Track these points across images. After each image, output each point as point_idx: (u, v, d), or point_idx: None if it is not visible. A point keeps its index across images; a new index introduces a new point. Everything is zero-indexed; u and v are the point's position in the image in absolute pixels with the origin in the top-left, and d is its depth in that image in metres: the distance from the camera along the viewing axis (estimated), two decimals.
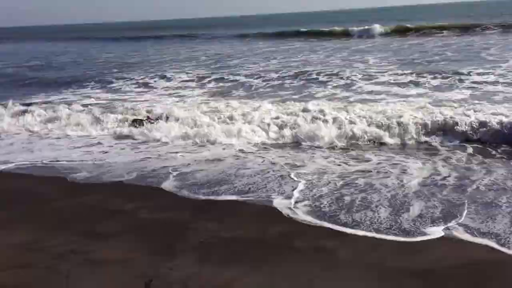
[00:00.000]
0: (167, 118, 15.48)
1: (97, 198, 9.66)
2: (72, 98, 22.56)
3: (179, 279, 6.28)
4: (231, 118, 15.12)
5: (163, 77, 28.05)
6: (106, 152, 13.31)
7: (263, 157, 11.94)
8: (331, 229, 7.66)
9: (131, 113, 16.82)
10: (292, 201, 8.86)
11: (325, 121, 13.82)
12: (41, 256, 7.02)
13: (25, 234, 7.85)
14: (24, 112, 18.27)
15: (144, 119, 15.64)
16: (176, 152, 12.85)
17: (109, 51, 54.25)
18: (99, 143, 14.40)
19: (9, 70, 38.55)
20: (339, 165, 11.14)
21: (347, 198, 8.92)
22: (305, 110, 15.29)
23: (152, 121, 15.29)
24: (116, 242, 7.48)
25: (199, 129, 14.23)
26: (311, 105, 15.66)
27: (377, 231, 7.48)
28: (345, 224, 7.77)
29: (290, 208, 8.53)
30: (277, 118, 14.70)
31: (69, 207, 9.25)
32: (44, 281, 6.33)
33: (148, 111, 16.60)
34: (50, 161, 12.55)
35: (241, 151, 12.66)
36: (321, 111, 14.74)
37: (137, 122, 15.50)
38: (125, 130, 15.19)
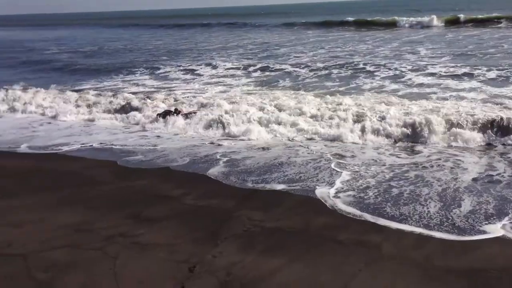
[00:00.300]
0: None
1: (145, 183, 9.89)
2: (121, 85, 23.14)
3: (222, 267, 6.36)
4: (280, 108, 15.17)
5: (209, 65, 28.30)
6: (159, 137, 13.73)
7: (311, 147, 11.93)
8: (376, 223, 7.54)
9: (170, 104, 16.82)
10: (337, 192, 8.78)
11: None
12: (91, 237, 7.27)
13: (75, 215, 8.14)
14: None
15: (174, 111, 15.12)
16: (227, 139, 13.20)
17: (159, 38, 55.18)
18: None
19: (64, 55, 39.97)
20: (389, 156, 11.02)
21: (395, 191, 8.75)
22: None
23: (182, 114, 14.90)
24: (162, 227, 7.63)
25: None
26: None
27: (426, 227, 7.30)
28: (391, 218, 7.64)
29: (334, 199, 8.47)
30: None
31: (119, 190, 9.52)
32: (93, 262, 6.53)
33: (181, 103, 16.41)
34: (107, 145, 13.10)
35: (290, 140, 12.70)
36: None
37: (168, 114, 15.02)
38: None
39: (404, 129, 12.36)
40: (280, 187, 9.29)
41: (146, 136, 14.05)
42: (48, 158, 12.09)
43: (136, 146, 12.89)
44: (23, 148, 13.13)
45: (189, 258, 6.57)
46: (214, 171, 10.39)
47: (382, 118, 13.06)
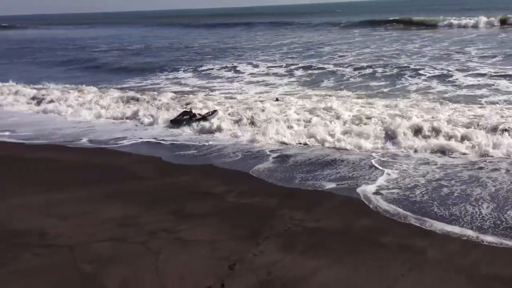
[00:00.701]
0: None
1: (188, 179, 10.02)
2: (164, 84, 23.49)
3: (263, 265, 6.35)
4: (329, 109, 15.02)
5: (252, 63, 28.39)
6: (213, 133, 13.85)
7: (359, 146, 11.72)
8: (422, 226, 7.35)
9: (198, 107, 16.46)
10: (381, 191, 8.64)
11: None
12: (135, 231, 7.42)
13: (120, 209, 8.33)
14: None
15: (189, 115, 14.60)
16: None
17: (205, 36, 55.80)
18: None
19: (113, 53, 41.09)
20: (441, 157, 10.72)
21: (444, 193, 8.51)
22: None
23: (198, 116, 14.40)
24: (204, 223, 7.71)
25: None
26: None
27: (475, 232, 7.06)
28: (438, 220, 7.45)
29: (377, 199, 8.33)
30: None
31: (163, 186, 9.68)
32: (136, 256, 6.67)
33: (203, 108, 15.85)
34: (158, 140, 13.44)
35: (338, 140, 12.47)
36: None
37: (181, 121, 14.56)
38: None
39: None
40: (323, 186, 9.22)
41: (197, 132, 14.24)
42: (97, 152, 12.46)
43: (187, 141, 13.16)
44: (84, 141, 13.64)
45: (230, 256, 6.61)
46: (258, 169, 10.44)
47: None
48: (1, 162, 11.51)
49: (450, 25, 49.88)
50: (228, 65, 28.17)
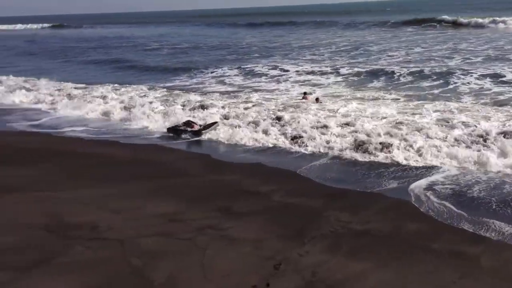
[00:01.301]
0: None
1: (235, 177, 10.08)
2: (208, 83, 23.66)
3: (308, 266, 6.30)
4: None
5: (298, 63, 28.25)
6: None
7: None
8: (475, 232, 7.09)
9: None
10: (433, 191, 8.42)
11: None
12: (182, 227, 7.52)
13: (169, 205, 8.47)
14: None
15: (187, 125, 14.22)
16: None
17: (253, 35, 55.94)
18: None
19: (163, 51, 41.93)
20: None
21: (503, 198, 8.19)
22: None
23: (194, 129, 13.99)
24: (250, 222, 7.73)
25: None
26: None
27: None
28: (493, 228, 7.16)
29: (428, 198, 8.13)
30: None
31: (210, 183, 9.79)
32: (183, 252, 6.76)
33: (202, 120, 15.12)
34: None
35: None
36: None
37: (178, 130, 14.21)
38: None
39: None
40: (372, 187, 9.08)
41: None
42: (147, 149, 12.74)
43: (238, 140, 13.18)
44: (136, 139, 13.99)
45: (275, 255, 6.59)
46: (306, 168, 10.38)
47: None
48: (54, 156, 11.95)
49: (504, 23, 47.68)
50: (274, 64, 28.17)
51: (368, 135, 12.24)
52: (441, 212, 7.88)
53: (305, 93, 17.76)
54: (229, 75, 25.48)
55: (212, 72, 26.91)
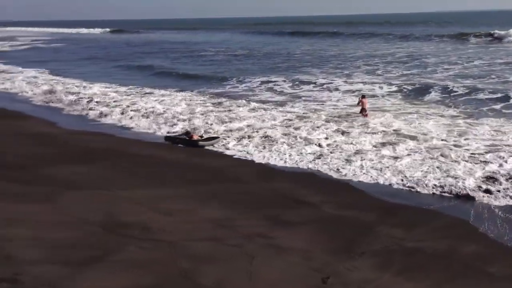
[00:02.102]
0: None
1: (287, 186, 10.05)
2: (260, 89, 23.78)
3: (356, 282, 6.16)
4: None
5: (350, 72, 27.94)
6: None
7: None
8: None
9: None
10: (494, 215, 8.04)
11: None
12: (231, 234, 7.56)
13: (219, 210, 8.55)
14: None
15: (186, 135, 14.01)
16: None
17: (310, 44, 55.69)
18: None
19: (219, 56, 42.55)
20: None
21: None
22: None
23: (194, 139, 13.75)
24: (299, 232, 7.66)
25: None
26: None
27: None
28: None
29: (489, 224, 7.75)
30: None
31: (261, 190, 9.81)
32: (231, 258, 6.78)
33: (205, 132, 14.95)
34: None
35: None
36: None
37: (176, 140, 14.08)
38: None
39: None
40: (428, 204, 8.82)
41: None
42: (197, 153, 12.93)
43: None
44: None
45: (323, 268, 6.49)
46: (359, 180, 10.29)
47: None
48: (109, 155, 12.37)
49: None
50: (325, 73, 27.97)
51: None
52: (501, 234, 7.52)
53: (363, 96, 17.39)
54: (278, 83, 25.28)
55: (262, 79, 26.84)
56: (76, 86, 25.83)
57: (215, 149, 13.32)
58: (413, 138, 13.24)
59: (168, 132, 15.33)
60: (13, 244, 6.99)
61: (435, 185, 9.73)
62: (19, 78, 29.66)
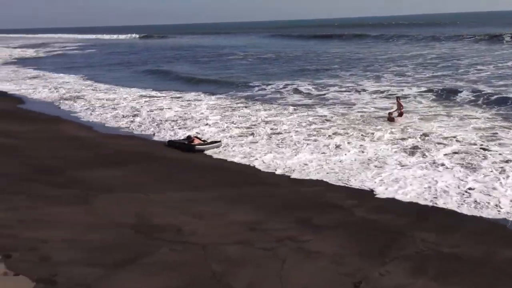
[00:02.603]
0: None
1: (318, 189, 10.00)
2: (287, 90, 23.80)
3: (389, 287, 6.06)
4: None
5: (379, 74, 27.76)
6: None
7: None
8: None
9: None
10: None
11: None
12: (262, 237, 7.56)
13: (250, 214, 8.57)
14: None
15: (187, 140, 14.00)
16: None
17: (340, 46, 55.22)
18: None
19: (247, 60, 42.72)
20: None
21: None
22: None
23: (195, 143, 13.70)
24: (330, 236, 7.60)
25: None
26: None
27: None
28: None
29: None
30: None
31: (292, 194, 9.79)
32: (262, 261, 6.77)
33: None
34: None
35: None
36: None
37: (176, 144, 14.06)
38: None
39: None
40: (463, 207, 8.62)
41: None
42: (229, 157, 12.93)
43: None
44: None
45: (354, 273, 6.42)
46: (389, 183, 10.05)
47: None
48: (142, 159, 12.56)
49: None
50: (355, 75, 27.72)
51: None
52: None
53: (398, 98, 17.14)
54: (302, 85, 25.19)
55: (286, 81, 26.84)
56: (109, 90, 26.39)
57: (247, 151, 13.24)
58: (446, 142, 12.94)
59: (171, 137, 15.24)
60: (49, 245, 7.18)
61: (469, 188, 9.48)
62: (54, 84, 30.32)
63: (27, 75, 36.51)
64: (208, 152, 13.34)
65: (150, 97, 23.87)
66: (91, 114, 20.07)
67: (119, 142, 14.79)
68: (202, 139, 14.26)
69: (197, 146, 13.56)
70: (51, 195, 9.55)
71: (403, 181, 10.20)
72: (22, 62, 50.57)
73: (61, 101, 23.63)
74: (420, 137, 13.63)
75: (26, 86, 29.88)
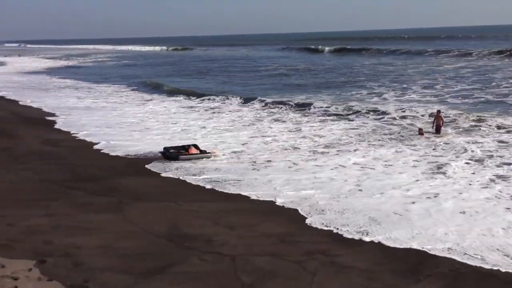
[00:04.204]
0: None
1: None
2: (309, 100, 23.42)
3: None
4: None
5: (406, 86, 27.78)
6: None
7: None
8: None
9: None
10: None
11: None
12: (292, 249, 7.51)
13: (280, 225, 8.53)
14: None
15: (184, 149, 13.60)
16: None
17: (371, 59, 54.83)
18: None
19: (279, 70, 42.68)
20: None
21: None
22: None
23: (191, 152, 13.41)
24: (362, 251, 7.49)
25: None
26: None
27: None
28: None
29: None
30: None
31: None
32: (292, 275, 6.72)
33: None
34: None
35: None
36: None
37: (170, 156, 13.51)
38: None
39: None
40: None
41: None
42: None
43: None
44: None
45: None
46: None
47: None
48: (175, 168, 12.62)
49: None
50: (379, 86, 27.81)
51: None
52: None
53: (438, 112, 16.33)
54: (322, 97, 25.16)
55: (310, 92, 26.99)
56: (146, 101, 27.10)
57: (275, 163, 13.10)
58: (479, 159, 12.66)
59: (164, 147, 14.22)
60: (83, 252, 7.33)
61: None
62: (98, 93, 31.15)
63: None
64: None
65: (185, 107, 23.98)
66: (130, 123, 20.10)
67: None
68: (201, 149, 13.92)
69: (180, 156, 13.26)
70: (87, 202, 9.78)
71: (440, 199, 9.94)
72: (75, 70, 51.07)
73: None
74: (456, 151, 13.32)
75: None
